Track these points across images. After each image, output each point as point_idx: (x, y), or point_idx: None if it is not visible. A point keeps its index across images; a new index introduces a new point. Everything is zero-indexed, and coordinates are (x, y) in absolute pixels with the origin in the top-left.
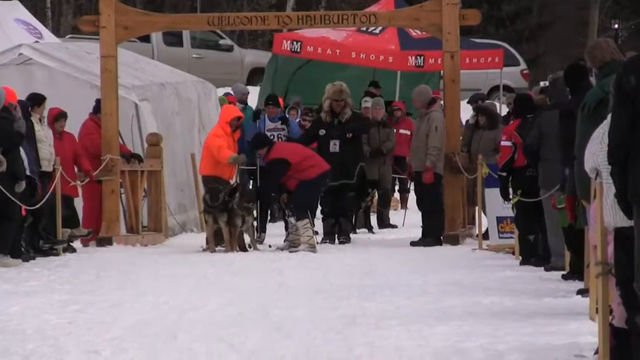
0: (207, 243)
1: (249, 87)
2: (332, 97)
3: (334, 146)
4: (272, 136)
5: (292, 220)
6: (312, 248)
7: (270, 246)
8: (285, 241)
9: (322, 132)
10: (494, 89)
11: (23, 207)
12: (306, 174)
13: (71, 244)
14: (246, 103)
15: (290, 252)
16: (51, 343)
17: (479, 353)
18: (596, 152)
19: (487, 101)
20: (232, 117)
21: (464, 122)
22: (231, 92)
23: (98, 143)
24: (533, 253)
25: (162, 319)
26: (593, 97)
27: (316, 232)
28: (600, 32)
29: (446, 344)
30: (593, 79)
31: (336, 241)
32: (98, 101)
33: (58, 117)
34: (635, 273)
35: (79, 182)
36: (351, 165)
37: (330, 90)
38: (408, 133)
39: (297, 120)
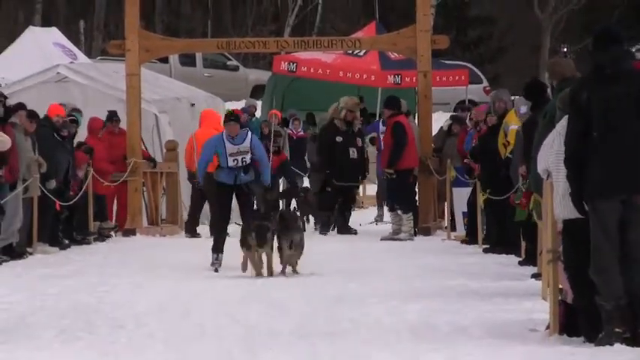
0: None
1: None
2: (349, 108)
3: (353, 153)
4: (235, 162)
5: (399, 211)
6: (411, 237)
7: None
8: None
9: (339, 139)
10: (461, 103)
11: (57, 202)
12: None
13: (109, 235)
14: (254, 115)
15: (392, 240)
16: (83, 318)
17: (446, 327)
18: (547, 156)
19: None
20: (220, 119)
21: (435, 130)
22: (244, 105)
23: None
24: (499, 243)
25: (178, 298)
26: (553, 107)
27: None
28: (551, 55)
29: (418, 319)
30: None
31: (336, 230)
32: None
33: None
34: (591, 261)
35: (109, 183)
36: (360, 169)
37: (348, 102)
38: None
39: (299, 130)
